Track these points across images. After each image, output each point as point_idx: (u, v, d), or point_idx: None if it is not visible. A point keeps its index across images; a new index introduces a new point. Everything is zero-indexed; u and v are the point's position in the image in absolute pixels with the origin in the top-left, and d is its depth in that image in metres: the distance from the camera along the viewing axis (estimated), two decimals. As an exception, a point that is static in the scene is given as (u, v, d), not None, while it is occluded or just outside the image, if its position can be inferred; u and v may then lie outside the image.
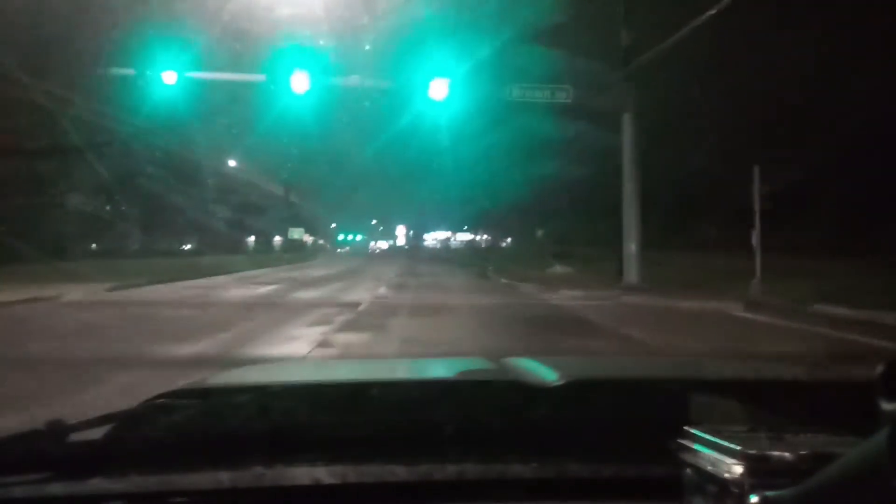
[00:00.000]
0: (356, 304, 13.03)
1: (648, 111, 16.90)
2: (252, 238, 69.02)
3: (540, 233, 61.22)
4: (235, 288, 17.86)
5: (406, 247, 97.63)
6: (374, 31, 19.48)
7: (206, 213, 53.34)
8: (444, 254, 64.62)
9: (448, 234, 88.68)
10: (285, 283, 19.47)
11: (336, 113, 50.60)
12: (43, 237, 26.58)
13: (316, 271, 28.21)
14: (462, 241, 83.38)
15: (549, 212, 49.29)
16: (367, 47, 19.59)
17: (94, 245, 40.24)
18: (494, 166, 48.64)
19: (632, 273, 15.90)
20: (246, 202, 61.05)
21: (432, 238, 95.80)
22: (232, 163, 58.74)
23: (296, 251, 59.56)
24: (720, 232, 30.07)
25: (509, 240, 64.14)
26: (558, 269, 25.16)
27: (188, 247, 53.26)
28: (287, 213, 57.57)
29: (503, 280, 21.13)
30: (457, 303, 14.01)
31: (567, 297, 15.02)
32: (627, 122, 16.14)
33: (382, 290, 17.21)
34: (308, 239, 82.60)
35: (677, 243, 27.73)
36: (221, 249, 52.25)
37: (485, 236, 74.55)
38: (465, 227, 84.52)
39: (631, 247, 15.99)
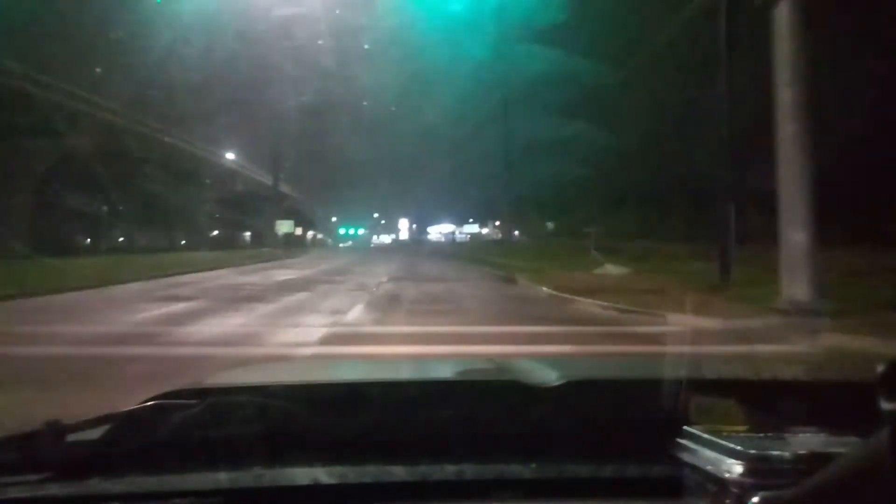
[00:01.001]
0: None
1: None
2: (248, 233, 63.00)
3: (551, 225, 54.49)
4: (114, 309, 10.54)
5: (409, 241, 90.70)
6: None
7: (193, 209, 48.74)
8: (451, 248, 56.89)
9: (452, 227, 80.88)
10: (210, 299, 12.05)
11: (333, 100, 44.70)
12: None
13: (286, 273, 20.81)
14: (468, 235, 76.10)
15: (566, 201, 42.54)
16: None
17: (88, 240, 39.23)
18: (503, 152, 41.79)
19: (799, 282, 8.47)
20: (237, 196, 55.05)
21: (436, 231, 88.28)
22: (230, 156, 53.59)
23: (293, 246, 52.97)
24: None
25: (516, 233, 56.95)
26: (610, 269, 17.76)
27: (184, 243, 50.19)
28: (276, 205, 50.37)
29: (544, 289, 13.59)
30: (489, 352, 6.65)
31: (700, 336, 7.61)
32: (787, 21, 8.73)
33: (355, 314, 9.83)
34: (306, 234, 75.60)
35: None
36: (214, 245, 47.88)
37: (493, 229, 67.31)
38: (471, 220, 77.17)
39: (797, 236, 8.56)
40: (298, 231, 55.30)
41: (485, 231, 73.58)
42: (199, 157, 47.35)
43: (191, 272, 19.85)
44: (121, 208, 40.53)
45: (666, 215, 30.94)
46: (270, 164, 52.49)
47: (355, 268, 25.14)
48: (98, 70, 33.19)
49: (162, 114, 39.34)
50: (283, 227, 44.93)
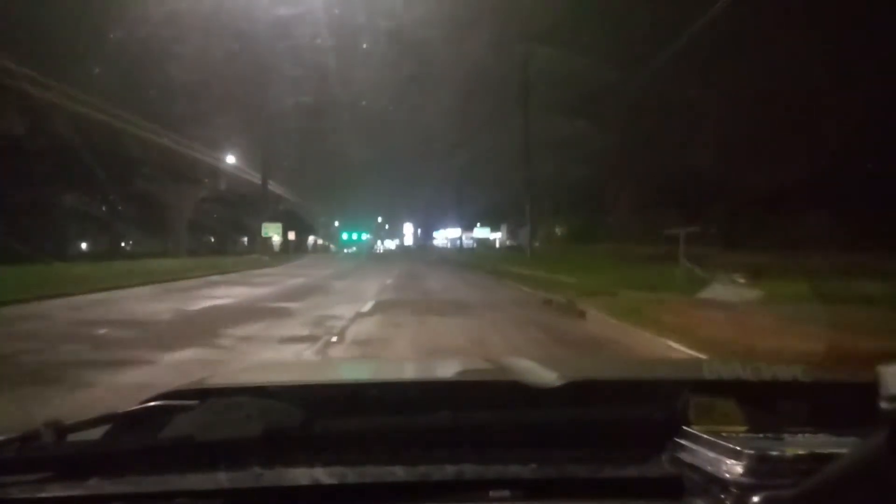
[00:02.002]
0: None
1: None
2: (246, 238, 56.98)
3: (559, 230, 48.28)
4: None
5: (413, 246, 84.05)
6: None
7: (173, 212, 43.00)
8: (459, 256, 49.97)
9: (459, 231, 73.99)
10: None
11: (333, 101, 38.93)
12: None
13: (232, 293, 14.00)
14: (475, 240, 69.27)
15: (591, 199, 36.00)
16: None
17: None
18: (523, 144, 35.25)
19: None
20: (226, 199, 48.91)
21: (442, 236, 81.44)
22: (223, 157, 47.72)
23: (289, 251, 46.60)
24: None
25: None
26: (722, 291, 10.85)
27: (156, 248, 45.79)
28: (268, 208, 43.70)
29: (672, 344, 6.68)
30: None
31: None
32: None
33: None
34: (305, 239, 68.91)
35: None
36: (204, 250, 43.96)
37: (506, 234, 60.38)
38: (478, 224, 70.28)
39: None
40: (292, 236, 48.41)
41: (495, 236, 66.62)
42: (183, 154, 41.03)
43: (88, 292, 13.14)
44: (78, 210, 34.60)
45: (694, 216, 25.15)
46: (273, 172, 46.46)
47: (337, 283, 18.34)
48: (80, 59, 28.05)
49: (144, 109, 34.05)
50: (271, 230, 38.10)
